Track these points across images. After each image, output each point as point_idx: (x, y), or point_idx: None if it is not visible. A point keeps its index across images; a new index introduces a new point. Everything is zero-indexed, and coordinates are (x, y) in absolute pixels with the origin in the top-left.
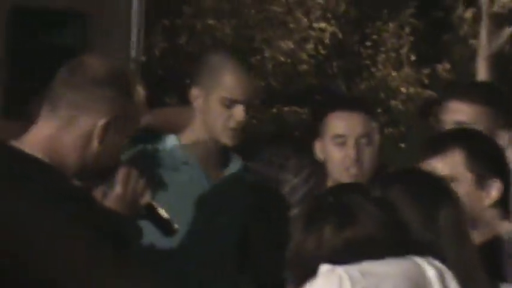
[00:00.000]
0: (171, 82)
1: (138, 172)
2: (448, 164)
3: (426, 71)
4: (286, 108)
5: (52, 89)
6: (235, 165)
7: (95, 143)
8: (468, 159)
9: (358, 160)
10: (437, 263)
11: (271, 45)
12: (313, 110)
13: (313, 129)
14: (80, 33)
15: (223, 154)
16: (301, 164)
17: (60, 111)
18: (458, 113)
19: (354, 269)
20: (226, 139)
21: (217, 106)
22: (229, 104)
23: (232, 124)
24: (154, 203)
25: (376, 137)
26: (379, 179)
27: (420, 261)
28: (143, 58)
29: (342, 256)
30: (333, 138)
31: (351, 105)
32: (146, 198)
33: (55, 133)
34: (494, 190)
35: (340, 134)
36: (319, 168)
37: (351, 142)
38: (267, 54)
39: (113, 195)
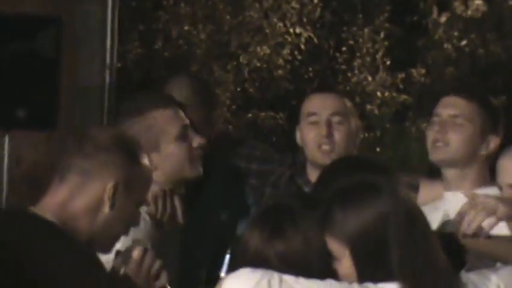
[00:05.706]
0: (147, 87)
1: (154, 253)
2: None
3: (401, 75)
4: (262, 114)
5: (60, 161)
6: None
7: (106, 208)
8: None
9: (329, 137)
10: None
11: (247, 50)
12: (289, 115)
13: (289, 134)
14: (53, 39)
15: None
16: (283, 155)
17: (69, 180)
18: (455, 107)
19: (275, 275)
20: None
21: None
22: None
23: None
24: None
25: (352, 118)
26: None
27: None
28: (118, 64)
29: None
30: (306, 117)
31: (322, 88)
32: (162, 282)
33: (67, 199)
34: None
35: (312, 111)
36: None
37: (322, 119)
38: (242, 59)
39: (125, 272)
